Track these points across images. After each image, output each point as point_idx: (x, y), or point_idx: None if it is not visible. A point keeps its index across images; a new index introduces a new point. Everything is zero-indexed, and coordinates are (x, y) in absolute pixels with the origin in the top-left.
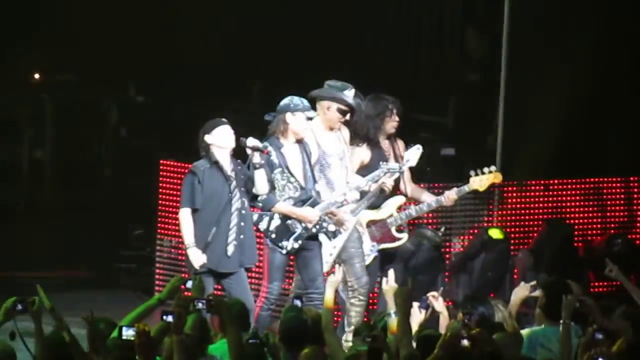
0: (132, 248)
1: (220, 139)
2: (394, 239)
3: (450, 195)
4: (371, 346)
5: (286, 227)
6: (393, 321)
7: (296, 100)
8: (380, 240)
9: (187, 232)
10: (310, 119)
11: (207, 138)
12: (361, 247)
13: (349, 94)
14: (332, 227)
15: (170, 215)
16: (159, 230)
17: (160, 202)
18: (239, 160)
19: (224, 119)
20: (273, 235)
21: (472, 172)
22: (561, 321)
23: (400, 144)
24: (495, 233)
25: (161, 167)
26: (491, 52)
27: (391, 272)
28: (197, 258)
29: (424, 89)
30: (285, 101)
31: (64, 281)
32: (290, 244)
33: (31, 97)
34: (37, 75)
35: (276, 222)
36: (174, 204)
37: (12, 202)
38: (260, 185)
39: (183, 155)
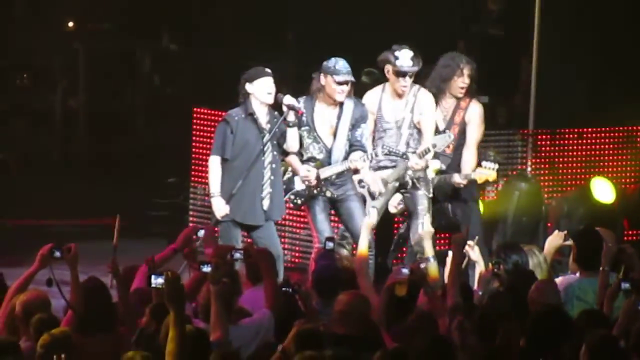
0: (165, 196)
1: (260, 92)
2: None
3: (456, 179)
4: (411, 278)
5: (290, 181)
6: (432, 266)
7: (334, 62)
8: None
9: (214, 180)
10: (346, 83)
11: (248, 87)
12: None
13: (402, 55)
14: (328, 194)
15: (204, 163)
16: (192, 178)
17: (193, 150)
18: (276, 113)
19: (268, 70)
20: (284, 186)
21: (482, 162)
22: (600, 268)
23: (473, 109)
24: (525, 177)
25: (194, 115)
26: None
27: (427, 217)
28: (220, 208)
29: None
30: (327, 62)
31: (97, 229)
32: (292, 198)
33: (65, 46)
34: (70, 24)
35: (289, 174)
36: (207, 151)
37: (47, 150)
38: (292, 143)
39: (216, 102)
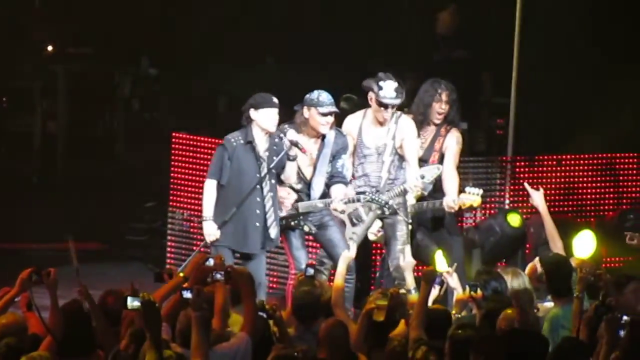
0: (143, 220)
1: (264, 121)
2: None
3: (449, 203)
4: (389, 303)
5: None
6: (413, 297)
7: (317, 94)
8: None
9: (207, 204)
10: (330, 114)
11: (252, 113)
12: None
13: (385, 86)
14: (306, 228)
15: (182, 187)
16: (170, 203)
17: (172, 174)
18: (276, 139)
19: (274, 99)
20: None
21: (466, 188)
22: (575, 294)
23: (451, 136)
24: (514, 220)
25: (173, 140)
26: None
27: (407, 248)
28: (211, 232)
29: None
30: (310, 94)
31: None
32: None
33: (44, 69)
34: (50, 48)
35: None
36: (186, 176)
37: (25, 174)
38: (290, 174)
39: (195, 127)
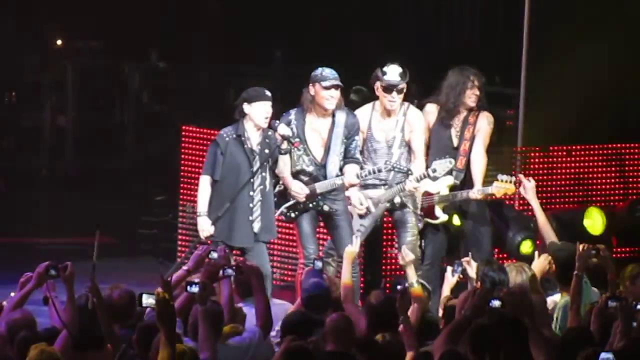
0: (153, 214)
1: (257, 115)
2: (435, 217)
3: (473, 195)
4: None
5: (283, 195)
6: (416, 289)
7: (321, 70)
8: (425, 214)
9: (202, 199)
10: (335, 87)
11: (246, 107)
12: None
13: (389, 70)
14: (326, 208)
15: (192, 180)
16: (180, 196)
17: (182, 167)
18: (269, 133)
19: (267, 93)
20: (275, 199)
21: (498, 176)
22: (575, 272)
23: (481, 120)
24: (525, 247)
25: (183, 133)
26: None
27: (405, 246)
28: (205, 228)
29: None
30: (314, 71)
31: (85, 248)
32: (284, 212)
33: (54, 63)
34: (59, 42)
35: (280, 187)
36: (196, 169)
37: (35, 168)
38: (283, 168)
39: (204, 120)
